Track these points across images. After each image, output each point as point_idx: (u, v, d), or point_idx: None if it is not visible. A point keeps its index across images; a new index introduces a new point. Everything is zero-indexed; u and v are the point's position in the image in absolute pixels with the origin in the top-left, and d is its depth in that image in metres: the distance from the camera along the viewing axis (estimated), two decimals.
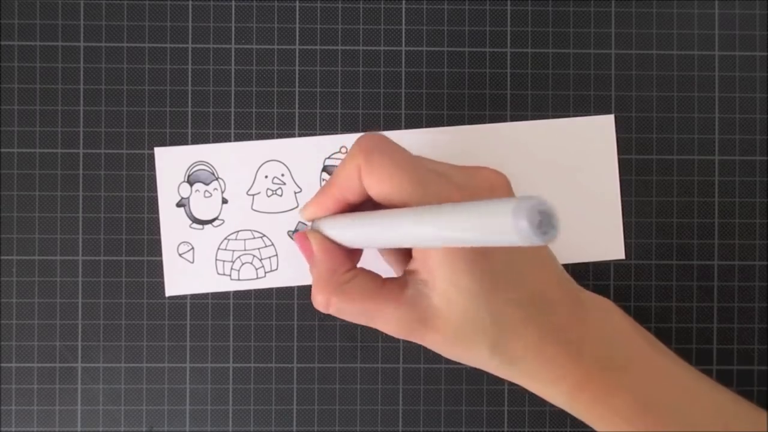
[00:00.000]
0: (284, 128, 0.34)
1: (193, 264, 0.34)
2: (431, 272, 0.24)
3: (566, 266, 0.34)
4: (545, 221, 0.16)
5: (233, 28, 0.34)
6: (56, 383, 0.34)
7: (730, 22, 0.35)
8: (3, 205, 0.34)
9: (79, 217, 0.34)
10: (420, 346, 0.34)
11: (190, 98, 0.34)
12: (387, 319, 0.25)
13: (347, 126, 0.34)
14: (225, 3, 0.34)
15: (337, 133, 0.34)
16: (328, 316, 0.34)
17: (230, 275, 0.34)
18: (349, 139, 0.34)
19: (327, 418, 0.34)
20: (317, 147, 0.34)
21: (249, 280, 0.34)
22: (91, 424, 0.34)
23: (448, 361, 0.34)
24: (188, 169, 0.34)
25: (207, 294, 0.34)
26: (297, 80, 0.34)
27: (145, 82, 0.34)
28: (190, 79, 0.34)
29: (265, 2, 0.34)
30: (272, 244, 0.34)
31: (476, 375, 0.34)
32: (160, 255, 0.34)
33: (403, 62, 0.34)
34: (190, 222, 0.34)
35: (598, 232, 0.34)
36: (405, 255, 0.28)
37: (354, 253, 0.29)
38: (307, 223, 0.29)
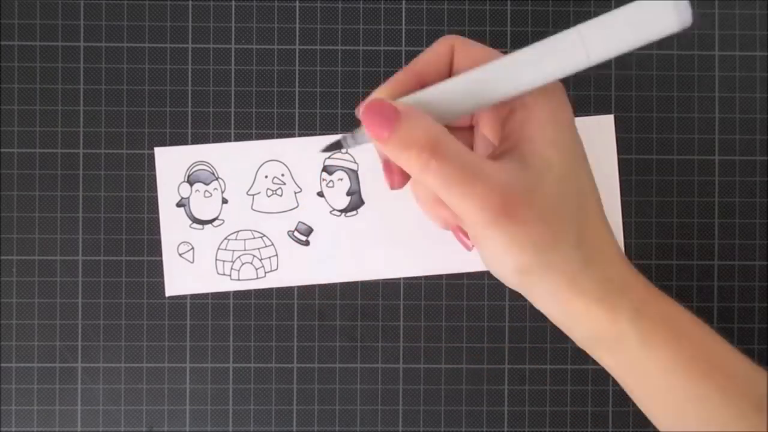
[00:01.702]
0: (284, 128, 0.34)
1: (193, 264, 0.34)
2: (532, 138, 0.24)
3: None
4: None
5: (233, 28, 0.34)
6: (56, 383, 0.34)
7: (730, 22, 0.35)
8: (3, 205, 0.34)
9: (79, 217, 0.34)
10: (420, 345, 0.34)
11: (190, 98, 0.34)
12: (487, 188, 0.23)
13: (347, 126, 0.34)
14: (225, 3, 0.34)
15: (337, 133, 0.34)
16: (328, 317, 0.34)
17: (230, 275, 0.34)
18: None
19: (327, 418, 0.34)
20: (317, 147, 0.34)
21: (249, 280, 0.34)
22: (91, 424, 0.34)
23: (448, 361, 0.34)
24: (188, 169, 0.34)
25: (207, 294, 0.34)
26: (297, 80, 0.34)
27: (145, 82, 0.34)
28: (190, 79, 0.34)
29: (265, 2, 0.34)
30: (272, 244, 0.34)
31: (476, 375, 0.34)
32: (160, 255, 0.34)
33: (403, 62, 0.34)
34: (190, 222, 0.34)
35: None
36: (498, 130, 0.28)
37: None
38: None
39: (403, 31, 0.35)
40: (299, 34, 0.34)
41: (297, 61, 0.34)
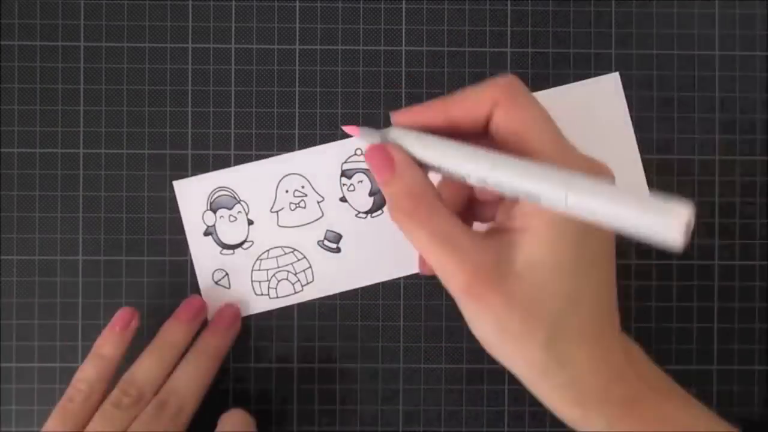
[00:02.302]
0: (284, 128, 0.34)
1: (230, 289, 0.34)
2: (528, 232, 0.23)
3: None
4: (689, 232, 0.19)
5: (233, 28, 0.34)
6: (56, 383, 0.34)
7: (731, 22, 0.35)
8: (3, 205, 0.34)
9: (79, 217, 0.34)
10: (420, 345, 0.34)
11: (190, 98, 0.34)
12: (458, 260, 0.23)
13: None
14: (225, 3, 0.34)
15: (336, 132, 0.34)
16: (329, 317, 0.34)
17: (268, 294, 0.34)
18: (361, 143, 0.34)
19: (327, 418, 0.34)
20: (333, 153, 0.34)
21: (288, 296, 0.34)
22: None
23: (448, 361, 0.34)
24: (209, 196, 0.34)
25: (249, 316, 0.34)
26: (297, 80, 0.34)
27: (145, 82, 0.34)
28: (190, 79, 0.34)
29: (266, 2, 0.34)
30: (304, 257, 0.34)
31: (476, 375, 0.34)
32: (161, 255, 0.34)
33: (403, 62, 0.34)
34: (220, 248, 0.34)
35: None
36: (467, 197, 0.27)
37: None
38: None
39: (404, 30, 0.35)
40: (299, 34, 0.34)
41: (297, 60, 0.34)
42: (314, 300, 0.34)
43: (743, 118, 0.35)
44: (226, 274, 0.34)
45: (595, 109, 0.34)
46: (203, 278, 0.34)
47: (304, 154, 0.34)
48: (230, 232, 0.34)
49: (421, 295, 0.34)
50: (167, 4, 0.34)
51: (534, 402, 0.34)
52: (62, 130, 0.34)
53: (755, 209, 0.35)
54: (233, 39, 0.34)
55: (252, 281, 0.34)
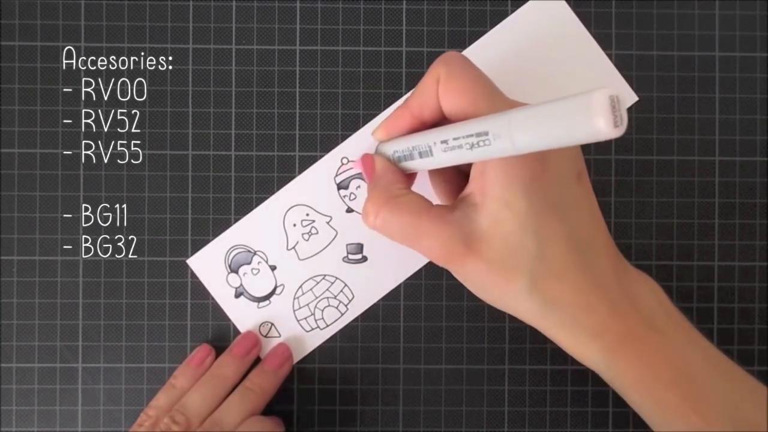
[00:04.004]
0: (284, 128, 0.34)
1: (281, 337, 0.34)
2: (485, 192, 0.24)
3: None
4: (618, 114, 0.18)
5: (234, 29, 0.34)
6: (57, 383, 0.34)
7: (731, 23, 0.35)
8: (3, 205, 0.34)
9: (80, 217, 0.34)
10: (420, 346, 0.34)
11: (190, 98, 0.34)
12: (430, 240, 0.25)
13: (348, 126, 0.34)
14: (226, 3, 0.34)
15: (336, 132, 0.34)
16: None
17: (318, 326, 0.34)
18: (345, 149, 0.34)
19: (327, 419, 0.34)
20: (323, 171, 0.34)
21: (337, 320, 0.34)
22: (92, 425, 0.34)
23: (448, 361, 0.34)
24: (225, 260, 0.34)
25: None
26: (297, 81, 0.34)
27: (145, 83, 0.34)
28: (190, 79, 0.34)
29: (266, 3, 0.34)
30: (336, 278, 0.34)
31: (476, 375, 0.35)
32: (161, 255, 0.34)
33: (403, 63, 0.34)
34: (256, 304, 0.34)
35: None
36: (457, 186, 0.29)
37: (410, 178, 0.30)
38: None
39: (404, 31, 0.35)
40: (300, 35, 0.34)
41: (297, 61, 0.34)
42: (362, 314, 0.34)
43: (743, 119, 0.35)
44: (272, 324, 0.34)
45: (548, 27, 0.34)
46: None
47: (297, 183, 0.34)
48: (259, 285, 0.34)
49: (422, 295, 0.34)
50: (167, 5, 0.34)
51: (534, 402, 0.35)
52: (63, 131, 0.34)
53: (755, 209, 0.35)
54: (234, 40, 0.34)
55: (298, 321, 0.34)
